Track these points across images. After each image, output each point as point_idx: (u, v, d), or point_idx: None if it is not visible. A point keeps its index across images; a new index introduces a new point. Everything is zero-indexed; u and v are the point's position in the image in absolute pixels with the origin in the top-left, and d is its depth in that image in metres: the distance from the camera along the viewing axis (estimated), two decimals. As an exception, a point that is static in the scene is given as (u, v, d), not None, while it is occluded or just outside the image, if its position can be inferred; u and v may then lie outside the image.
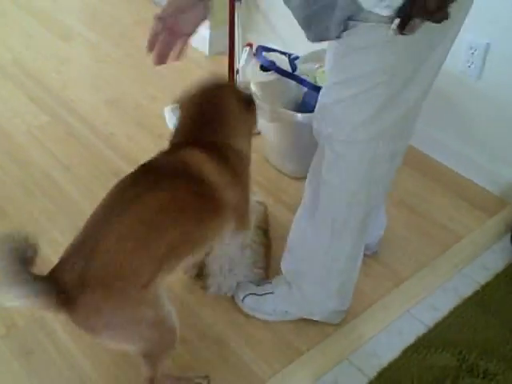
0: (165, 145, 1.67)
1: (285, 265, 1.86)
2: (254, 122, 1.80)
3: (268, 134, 2.50)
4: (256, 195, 2.13)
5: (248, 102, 1.74)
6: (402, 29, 1.18)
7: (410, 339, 1.85)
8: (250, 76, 2.30)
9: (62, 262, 1.45)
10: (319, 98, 1.54)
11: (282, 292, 1.85)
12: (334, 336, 1.84)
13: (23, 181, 2.42)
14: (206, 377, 1.72)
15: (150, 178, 1.51)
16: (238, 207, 1.65)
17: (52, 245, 2.13)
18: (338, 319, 1.86)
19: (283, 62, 2.29)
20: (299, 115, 2.20)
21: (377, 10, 1.19)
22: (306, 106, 2.28)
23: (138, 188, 1.49)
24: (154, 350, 1.53)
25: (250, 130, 1.79)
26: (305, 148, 2.37)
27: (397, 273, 2.06)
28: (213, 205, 1.55)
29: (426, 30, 1.21)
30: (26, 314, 1.90)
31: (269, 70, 2.24)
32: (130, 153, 2.55)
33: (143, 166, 1.57)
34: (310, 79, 2.31)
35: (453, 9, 1.17)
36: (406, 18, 1.17)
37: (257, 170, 2.47)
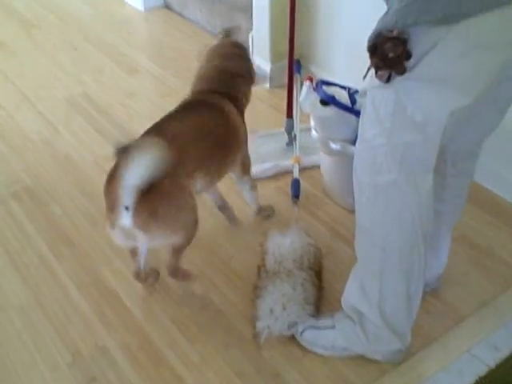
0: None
1: (345, 303, 1.85)
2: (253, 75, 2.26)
3: (326, 168, 2.52)
4: (309, 238, 2.14)
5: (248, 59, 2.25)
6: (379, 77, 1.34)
7: (470, 380, 1.81)
8: (309, 110, 2.33)
9: None
10: None
11: (344, 328, 1.84)
12: (392, 374, 1.82)
13: (90, 211, 2.51)
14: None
15: (191, 109, 2.05)
16: (243, 155, 2.18)
17: (116, 275, 2.20)
18: (399, 359, 1.84)
19: (343, 96, 2.31)
20: (359, 149, 2.21)
21: None
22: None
23: (183, 112, 2.02)
24: (187, 238, 1.91)
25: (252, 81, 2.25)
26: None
27: (457, 310, 2.03)
28: (233, 135, 2.08)
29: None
30: (90, 342, 1.96)
31: (328, 104, 2.26)
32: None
33: (182, 103, 2.07)
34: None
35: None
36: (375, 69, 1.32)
37: (315, 204, 2.50)
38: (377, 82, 1.38)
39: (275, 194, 2.54)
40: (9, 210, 2.53)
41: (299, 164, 2.55)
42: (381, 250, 1.60)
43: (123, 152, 1.66)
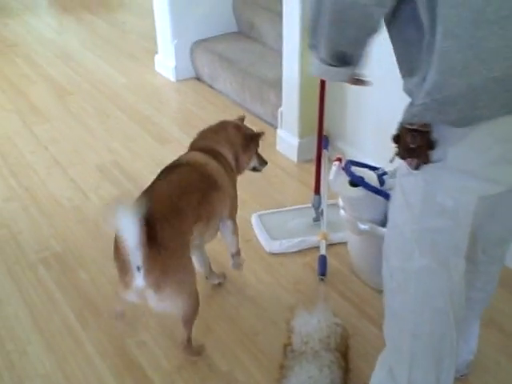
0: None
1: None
2: (249, 150, 2.39)
3: (354, 247, 2.52)
4: (336, 317, 2.13)
5: (249, 138, 2.37)
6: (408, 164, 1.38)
7: None
8: (338, 190, 2.36)
9: None
10: None
11: None
12: None
13: (116, 278, 2.52)
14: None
15: (176, 167, 2.18)
16: (231, 201, 2.26)
17: (140, 347, 2.20)
18: None
19: (372, 178, 2.35)
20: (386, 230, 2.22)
21: None
22: (393, 221, 2.30)
23: (171, 170, 2.16)
24: (192, 309, 2.00)
25: (244, 155, 2.37)
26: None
27: None
28: (214, 186, 2.15)
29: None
30: None
31: (357, 186, 2.30)
32: (218, 258, 2.63)
33: (172, 163, 2.23)
34: (397, 194, 2.35)
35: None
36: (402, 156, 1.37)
37: (342, 282, 2.49)
38: (405, 169, 1.41)
39: (302, 270, 2.55)
40: (37, 276, 2.56)
41: (326, 240, 2.57)
42: (411, 336, 1.59)
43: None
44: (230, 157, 2.31)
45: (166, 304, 1.95)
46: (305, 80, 3.18)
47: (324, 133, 2.81)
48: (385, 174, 2.39)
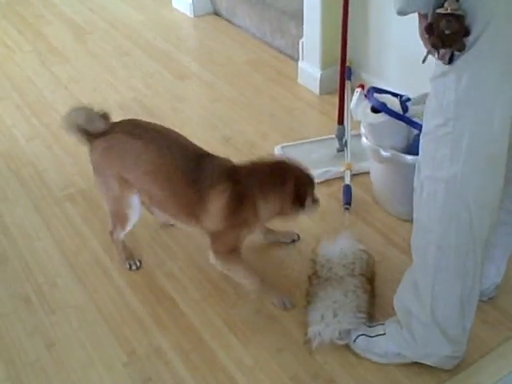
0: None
1: (396, 302, 1.84)
2: (287, 209, 2.05)
3: (377, 176, 2.50)
4: (360, 244, 2.13)
5: (299, 198, 2.01)
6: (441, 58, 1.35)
7: (529, 390, 1.78)
8: (360, 117, 2.32)
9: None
10: None
11: (393, 333, 1.83)
12: (449, 383, 1.80)
13: (143, 214, 2.54)
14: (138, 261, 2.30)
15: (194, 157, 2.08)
16: (213, 234, 2.05)
17: (169, 277, 2.23)
18: (450, 365, 1.81)
19: (395, 104, 2.30)
20: (409, 157, 2.20)
21: None
22: (416, 148, 2.25)
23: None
24: (110, 212, 2.21)
25: (280, 212, 2.06)
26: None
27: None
28: (196, 212, 2.03)
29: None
30: (145, 342, 1.99)
31: (379, 112, 2.25)
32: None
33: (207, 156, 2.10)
34: (421, 121, 2.31)
35: None
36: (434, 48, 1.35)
37: (368, 211, 2.49)
38: (438, 70, 1.39)
39: (327, 200, 2.53)
40: (64, 212, 2.59)
41: (351, 170, 2.55)
42: (436, 248, 1.58)
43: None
44: (263, 208, 2.01)
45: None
46: (326, 9, 3.10)
47: (347, 63, 2.76)
48: (408, 100, 2.35)
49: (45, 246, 2.41)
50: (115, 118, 3.20)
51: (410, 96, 2.40)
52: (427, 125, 1.51)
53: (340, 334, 1.90)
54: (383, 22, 2.99)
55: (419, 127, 2.17)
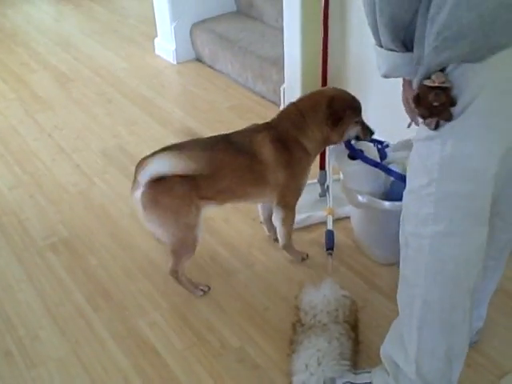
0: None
1: (383, 353, 1.82)
2: (333, 134, 2.24)
3: (356, 221, 2.53)
4: (343, 290, 2.14)
5: (338, 115, 2.20)
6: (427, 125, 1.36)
7: None
8: (338, 163, 2.35)
9: None
10: None
11: (378, 381, 1.82)
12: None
13: (125, 262, 2.54)
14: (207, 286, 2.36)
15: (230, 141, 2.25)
16: (282, 188, 2.25)
17: (152, 327, 2.21)
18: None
19: (372, 150, 2.34)
20: (386, 203, 2.23)
21: None
22: (393, 194, 2.30)
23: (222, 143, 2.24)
24: (177, 244, 2.22)
25: (326, 138, 2.27)
26: (392, 235, 2.38)
27: (499, 365, 1.99)
28: (259, 175, 2.20)
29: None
30: None
31: (356, 159, 2.29)
32: (227, 237, 2.63)
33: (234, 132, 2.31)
34: (399, 167, 2.34)
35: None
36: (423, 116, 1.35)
37: (350, 255, 2.50)
38: (423, 133, 1.40)
39: (309, 246, 2.55)
40: (47, 262, 2.57)
41: (333, 215, 2.57)
42: (421, 302, 1.58)
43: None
44: (307, 141, 2.24)
45: (149, 225, 2.24)
46: (306, 56, 3.16)
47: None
48: (387, 146, 2.39)
49: (26, 298, 2.39)
50: (98, 165, 3.25)
51: (390, 142, 2.44)
52: (410, 183, 1.52)
53: (324, 382, 1.88)
54: (364, 70, 3.05)
55: (395, 175, 2.21)
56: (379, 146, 2.38)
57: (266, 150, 2.18)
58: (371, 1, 1.34)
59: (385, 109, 2.95)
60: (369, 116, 3.09)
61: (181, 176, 2.11)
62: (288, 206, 2.33)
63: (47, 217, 2.87)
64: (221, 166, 2.18)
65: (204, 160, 2.14)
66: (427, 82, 1.30)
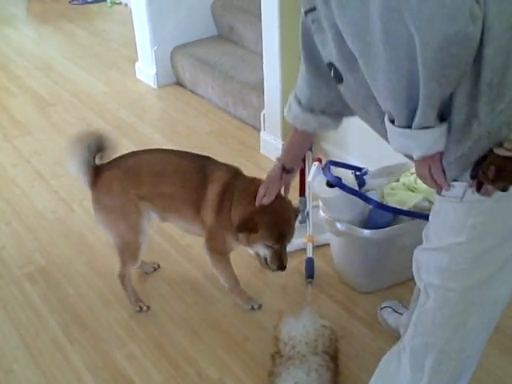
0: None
1: None
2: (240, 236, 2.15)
3: (335, 249, 2.52)
4: (323, 320, 2.11)
5: (242, 228, 2.08)
6: (478, 190, 1.25)
7: None
8: (316, 191, 2.35)
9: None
10: None
11: None
12: None
13: (103, 291, 2.51)
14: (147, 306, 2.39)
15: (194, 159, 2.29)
16: (209, 229, 2.22)
17: (130, 360, 2.18)
18: None
19: (350, 178, 2.33)
20: (365, 231, 2.23)
21: None
22: (372, 221, 2.29)
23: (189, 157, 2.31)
24: (119, 244, 2.28)
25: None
26: (372, 263, 2.38)
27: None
28: (196, 201, 2.19)
29: None
30: None
31: (334, 186, 2.28)
32: (205, 264, 2.60)
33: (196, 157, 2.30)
34: (377, 194, 2.34)
35: None
36: (478, 182, 1.24)
37: (330, 284, 2.49)
38: (468, 196, 1.32)
39: (289, 274, 2.52)
40: (22, 292, 2.53)
41: (313, 243, 2.55)
42: (438, 352, 1.54)
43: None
44: (232, 216, 2.14)
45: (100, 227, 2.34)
46: (286, 82, 3.17)
47: (307, 134, 2.80)
48: (365, 174, 2.38)
49: (1, 329, 2.34)
50: (77, 191, 3.21)
51: (370, 169, 2.44)
52: (437, 241, 1.45)
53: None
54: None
55: (373, 202, 2.21)
56: (358, 173, 2.37)
57: (214, 188, 2.16)
58: (407, 80, 1.15)
59: (366, 135, 2.96)
60: (349, 141, 3.11)
61: (121, 173, 2.21)
62: (214, 250, 2.27)
63: (24, 245, 2.83)
64: (172, 170, 2.24)
65: (162, 158, 2.27)
66: (500, 152, 1.19)
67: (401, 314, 2.16)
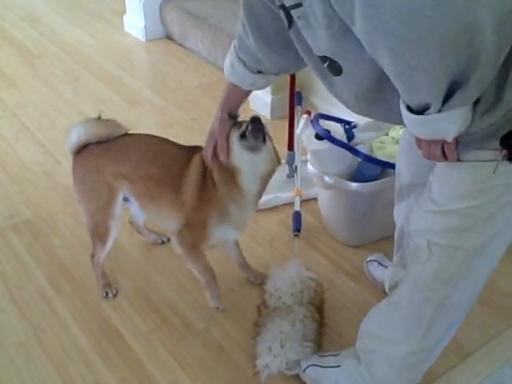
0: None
1: (365, 325, 1.80)
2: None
3: (323, 202, 2.51)
4: (309, 272, 2.12)
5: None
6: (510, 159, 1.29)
7: (476, 417, 1.78)
8: (305, 143, 2.33)
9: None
10: None
11: (348, 367, 1.81)
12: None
13: (89, 243, 2.48)
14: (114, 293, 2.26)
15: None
16: (185, 217, 2.02)
17: (116, 310, 2.19)
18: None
19: (340, 131, 2.31)
20: (353, 184, 2.22)
21: None
22: (360, 175, 2.28)
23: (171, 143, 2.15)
24: (88, 222, 2.16)
25: None
26: (359, 217, 2.38)
27: (462, 346, 2.01)
28: (176, 183, 2.02)
29: None
30: (90, 379, 1.94)
31: (324, 139, 2.26)
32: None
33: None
34: (366, 148, 2.33)
35: None
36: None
37: (317, 237, 2.49)
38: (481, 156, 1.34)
39: (277, 227, 2.53)
40: (8, 243, 2.51)
41: (300, 196, 2.55)
42: (437, 306, 1.57)
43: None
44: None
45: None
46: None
47: (297, 88, 2.77)
48: (354, 127, 2.36)
49: (-13, 280, 2.34)
50: (63, 144, 3.15)
51: (358, 122, 2.42)
52: (449, 205, 1.44)
53: (287, 364, 1.88)
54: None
55: (361, 155, 2.19)
56: (347, 127, 2.35)
57: (195, 168, 2.02)
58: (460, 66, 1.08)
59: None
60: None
61: (101, 151, 2.08)
62: (185, 241, 2.05)
63: (10, 197, 2.80)
64: (154, 151, 2.11)
65: (151, 141, 2.15)
66: None
67: (386, 267, 2.17)
